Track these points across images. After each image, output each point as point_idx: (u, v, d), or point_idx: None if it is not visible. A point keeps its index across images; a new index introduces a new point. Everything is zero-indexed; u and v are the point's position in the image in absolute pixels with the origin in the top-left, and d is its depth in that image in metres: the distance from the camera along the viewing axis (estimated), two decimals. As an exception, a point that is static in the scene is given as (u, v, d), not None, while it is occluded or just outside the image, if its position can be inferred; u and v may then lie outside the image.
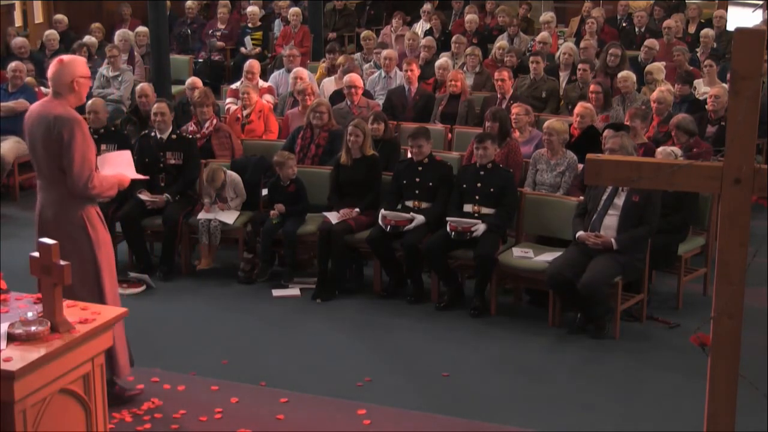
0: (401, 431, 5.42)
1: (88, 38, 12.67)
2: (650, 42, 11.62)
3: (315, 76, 10.87)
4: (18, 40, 12.32)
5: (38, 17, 15.08)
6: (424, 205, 7.46)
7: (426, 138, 7.56)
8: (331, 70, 11.00)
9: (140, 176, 5.98)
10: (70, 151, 5.22)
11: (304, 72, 10.07)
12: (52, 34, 12.67)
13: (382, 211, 7.40)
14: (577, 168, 7.62)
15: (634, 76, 9.75)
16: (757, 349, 6.19)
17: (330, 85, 10.39)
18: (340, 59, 10.71)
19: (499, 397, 5.85)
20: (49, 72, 5.31)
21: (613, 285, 6.64)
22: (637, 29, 13.77)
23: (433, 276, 7.34)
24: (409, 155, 7.66)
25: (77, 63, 5.37)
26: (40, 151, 5.33)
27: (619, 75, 9.79)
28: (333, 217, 7.55)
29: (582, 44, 11.50)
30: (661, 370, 6.22)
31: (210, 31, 14.33)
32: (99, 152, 8.02)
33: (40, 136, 5.29)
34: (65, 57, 5.43)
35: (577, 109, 8.37)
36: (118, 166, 5.63)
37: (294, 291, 7.54)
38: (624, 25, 14.12)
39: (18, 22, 14.50)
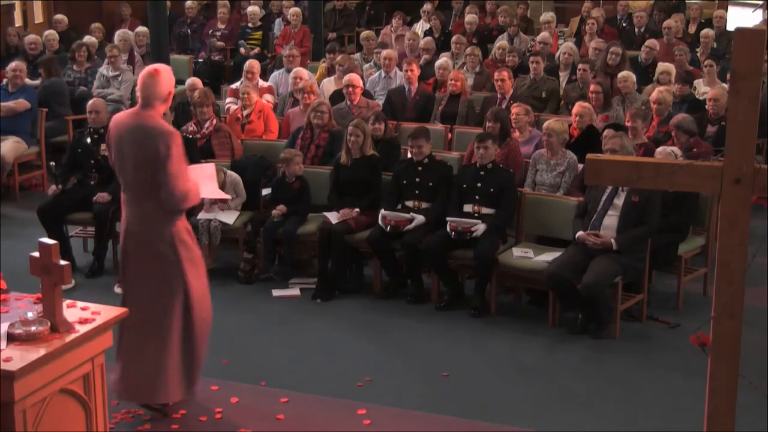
0: (401, 431, 5.42)
1: (87, 38, 12.67)
2: (651, 42, 11.62)
3: (315, 76, 10.86)
4: (31, 37, 12.33)
5: (38, 17, 15.08)
6: (424, 205, 7.46)
7: (426, 138, 7.56)
8: (331, 70, 11.00)
9: (222, 195, 5.89)
10: (166, 164, 5.02)
11: (303, 72, 10.07)
12: (51, 34, 12.66)
13: (382, 211, 7.40)
14: (577, 168, 7.62)
15: (634, 77, 9.75)
16: (757, 349, 6.19)
17: (329, 85, 10.39)
18: (339, 59, 10.71)
19: (499, 397, 5.85)
20: (141, 81, 5.14)
21: (613, 285, 6.64)
22: (636, 29, 13.77)
23: (433, 276, 7.34)
24: (409, 155, 7.66)
25: (171, 74, 5.23)
26: (130, 164, 5.14)
27: (620, 75, 9.79)
28: (333, 217, 7.55)
29: (593, 44, 11.46)
30: (661, 370, 6.22)
31: (210, 31, 14.33)
32: (99, 152, 8.10)
33: (131, 148, 5.11)
34: (159, 67, 5.25)
35: (576, 108, 8.37)
36: (199, 179, 5.43)
37: (294, 291, 7.54)
38: (624, 25, 14.13)
39: (18, 22, 14.50)
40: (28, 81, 10.55)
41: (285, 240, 7.60)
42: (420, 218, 7.30)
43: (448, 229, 7.10)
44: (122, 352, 5.28)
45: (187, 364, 5.34)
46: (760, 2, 15.22)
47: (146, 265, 5.20)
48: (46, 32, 12.71)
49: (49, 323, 4.15)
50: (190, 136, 8.29)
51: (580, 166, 7.53)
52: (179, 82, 11.19)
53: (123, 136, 5.17)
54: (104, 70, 11.43)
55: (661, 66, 10.32)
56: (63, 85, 11.00)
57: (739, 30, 3.34)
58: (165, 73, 5.18)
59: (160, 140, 5.05)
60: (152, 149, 5.04)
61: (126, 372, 5.28)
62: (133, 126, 5.14)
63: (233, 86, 10.54)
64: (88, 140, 8.15)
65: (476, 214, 7.22)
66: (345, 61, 10.61)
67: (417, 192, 7.49)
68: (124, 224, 5.28)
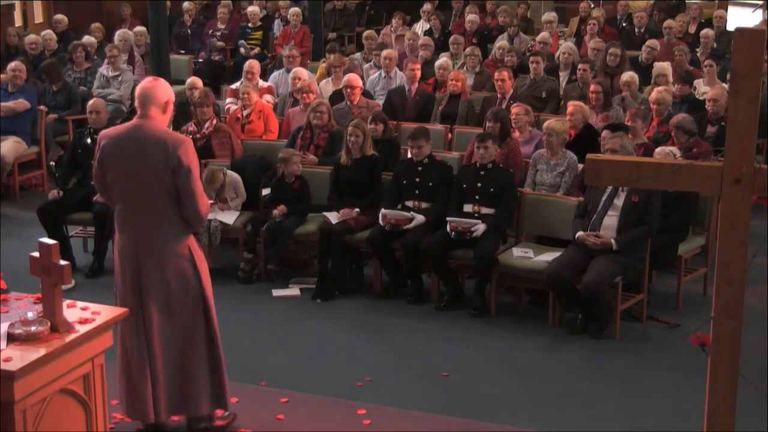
0: (401, 431, 5.42)
1: (86, 38, 12.65)
2: (651, 42, 11.62)
3: (315, 76, 10.86)
4: (31, 37, 12.33)
5: (38, 17, 15.08)
6: (424, 205, 7.46)
7: (426, 138, 7.56)
8: (329, 71, 11.00)
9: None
10: (190, 176, 4.85)
11: (303, 71, 10.07)
12: (49, 34, 12.67)
13: (383, 210, 7.40)
14: (577, 168, 7.62)
15: (637, 78, 9.75)
16: (757, 349, 6.19)
17: (327, 86, 10.39)
18: (331, 59, 10.70)
19: (499, 397, 5.85)
20: (141, 91, 4.97)
21: (613, 285, 6.64)
22: (636, 29, 13.77)
23: (433, 276, 7.34)
24: (409, 155, 7.66)
25: (168, 86, 5.08)
26: (136, 177, 4.88)
27: (623, 78, 9.78)
28: (333, 217, 7.55)
29: (592, 45, 11.46)
30: (661, 370, 6.22)
31: (210, 31, 14.34)
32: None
33: (139, 160, 4.86)
34: (158, 78, 5.11)
35: (569, 108, 8.38)
36: None
37: (294, 291, 7.54)
38: (624, 25, 14.13)
39: (18, 22, 14.50)
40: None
41: (281, 235, 7.58)
42: (420, 218, 7.30)
43: (448, 229, 7.10)
44: (158, 370, 5.01)
45: (215, 376, 5.17)
46: (760, 2, 15.22)
47: (162, 284, 4.96)
48: (44, 32, 12.71)
49: (49, 323, 4.15)
50: (190, 136, 8.29)
51: (580, 166, 7.53)
52: (179, 82, 11.26)
53: (125, 150, 4.92)
54: (104, 70, 11.43)
55: (657, 68, 10.32)
56: (77, 90, 11.01)
57: (739, 30, 3.34)
58: (162, 82, 5.06)
59: (180, 150, 4.84)
60: (169, 159, 4.82)
61: (167, 388, 5.05)
62: (139, 137, 4.91)
63: (233, 86, 10.55)
64: (88, 140, 8.15)
65: (476, 214, 7.22)
66: (339, 62, 10.60)
67: (417, 192, 7.49)
68: (125, 240, 4.99)
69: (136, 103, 5.03)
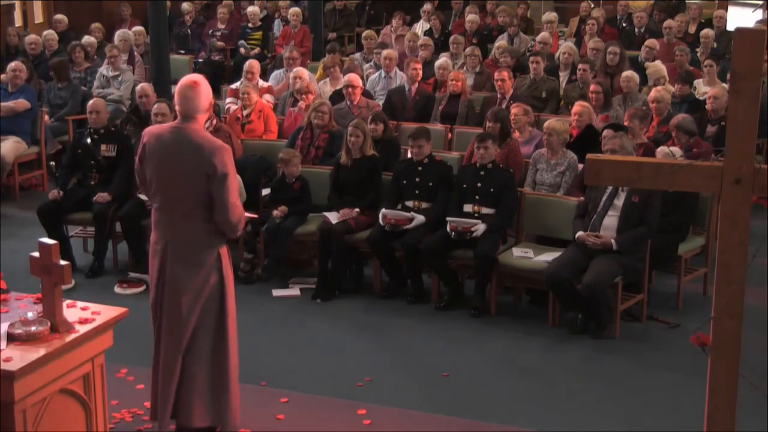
0: (401, 431, 5.42)
1: (86, 38, 12.63)
2: (651, 42, 11.63)
3: (315, 76, 10.86)
4: (31, 37, 12.33)
5: (38, 17, 15.08)
6: (424, 205, 7.46)
7: (426, 138, 7.56)
8: (326, 72, 10.99)
9: (248, 214, 5.28)
10: (225, 183, 4.76)
11: (303, 71, 10.07)
12: (50, 34, 12.67)
13: (383, 210, 7.40)
14: (577, 168, 7.62)
15: (637, 77, 9.75)
16: (757, 349, 6.19)
17: (325, 86, 10.38)
18: (326, 60, 10.69)
19: (499, 397, 5.85)
20: (183, 93, 4.85)
21: (613, 285, 6.64)
22: (636, 29, 13.78)
23: (433, 276, 7.34)
24: (409, 155, 7.66)
25: (208, 84, 4.99)
26: (176, 180, 4.82)
27: (623, 75, 9.78)
28: (333, 217, 7.55)
29: (592, 44, 11.45)
30: (661, 370, 6.22)
31: (210, 31, 14.34)
32: (99, 153, 8.10)
33: (179, 164, 4.80)
34: (197, 78, 4.96)
35: (576, 107, 8.37)
36: None
37: (294, 291, 7.54)
38: (624, 25, 14.13)
39: (18, 22, 14.50)
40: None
41: (281, 236, 7.58)
42: (420, 218, 7.30)
43: (448, 229, 7.10)
44: (180, 377, 4.94)
45: (220, 392, 5.06)
46: (760, 2, 15.22)
47: (185, 290, 4.88)
48: (45, 33, 12.71)
49: (49, 323, 4.16)
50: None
51: (580, 166, 7.53)
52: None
53: (164, 150, 4.86)
54: (104, 70, 11.43)
55: (652, 71, 10.30)
56: (80, 90, 11.02)
57: (739, 30, 3.34)
58: (204, 84, 4.94)
59: (216, 156, 4.76)
60: (204, 165, 4.76)
61: (188, 397, 4.96)
62: (181, 141, 4.83)
63: (233, 86, 10.54)
64: (88, 140, 8.15)
65: (476, 214, 7.22)
66: (333, 62, 10.59)
67: (417, 192, 7.49)
68: (158, 240, 4.91)
69: (178, 103, 4.90)
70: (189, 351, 4.94)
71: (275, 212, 7.67)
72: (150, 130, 5.07)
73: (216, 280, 4.93)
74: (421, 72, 10.02)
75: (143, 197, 7.82)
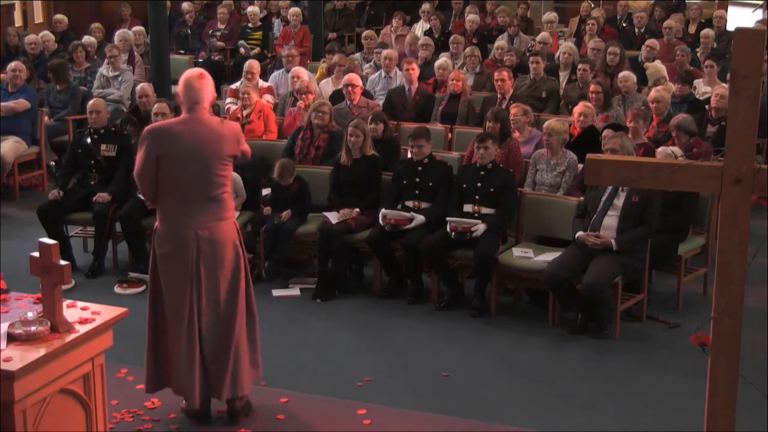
0: (401, 431, 5.42)
1: (86, 38, 12.65)
2: (651, 42, 11.63)
3: (315, 76, 10.86)
4: (31, 37, 12.32)
5: (38, 17, 15.08)
6: (424, 205, 7.46)
7: (427, 138, 7.56)
8: (330, 71, 11.00)
9: None
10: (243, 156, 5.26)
11: (302, 71, 10.07)
12: (47, 35, 12.68)
13: (383, 210, 7.40)
14: (577, 168, 7.62)
15: (634, 77, 9.75)
16: (757, 349, 6.19)
17: (327, 86, 10.38)
18: (336, 59, 10.69)
19: (499, 397, 5.85)
20: (190, 84, 5.10)
21: (613, 285, 6.64)
22: (636, 29, 13.78)
23: (433, 276, 7.34)
24: (409, 155, 7.66)
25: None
26: (203, 167, 5.07)
27: (620, 75, 9.79)
28: (333, 217, 7.55)
29: (591, 44, 11.45)
30: (661, 370, 6.22)
31: (210, 31, 14.34)
32: (99, 153, 8.10)
33: (207, 151, 5.07)
34: (203, 71, 5.23)
35: (580, 108, 8.38)
36: None
37: (294, 291, 7.54)
38: (624, 25, 14.13)
39: (18, 22, 14.50)
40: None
41: (282, 238, 7.58)
42: (420, 218, 7.30)
43: (448, 229, 7.09)
44: (212, 350, 5.22)
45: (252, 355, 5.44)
46: (760, 2, 15.22)
47: (221, 267, 5.17)
48: (42, 33, 12.72)
49: (49, 323, 4.16)
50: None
51: (580, 166, 7.53)
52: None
53: (188, 142, 5.04)
54: (104, 70, 11.43)
55: (652, 71, 10.31)
56: (79, 90, 11.02)
57: (739, 30, 3.34)
58: (209, 76, 5.22)
59: (241, 139, 5.22)
60: (231, 148, 5.15)
61: (219, 370, 5.24)
62: (202, 129, 5.09)
63: (233, 86, 10.54)
64: (88, 140, 8.15)
65: (476, 214, 7.22)
66: (343, 62, 10.60)
67: (417, 192, 7.49)
68: (185, 232, 5.09)
69: (184, 94, 5.12)
70: (224, 329, 5.23)
71: (282, 215, 7.65)
72: (156, 128, 5.21)
73: (242, 256, 5.27)
74: (417, 72, 9.99)
75: (143, 197, 7.83)
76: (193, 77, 5.14)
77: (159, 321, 5.28)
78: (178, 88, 5.25)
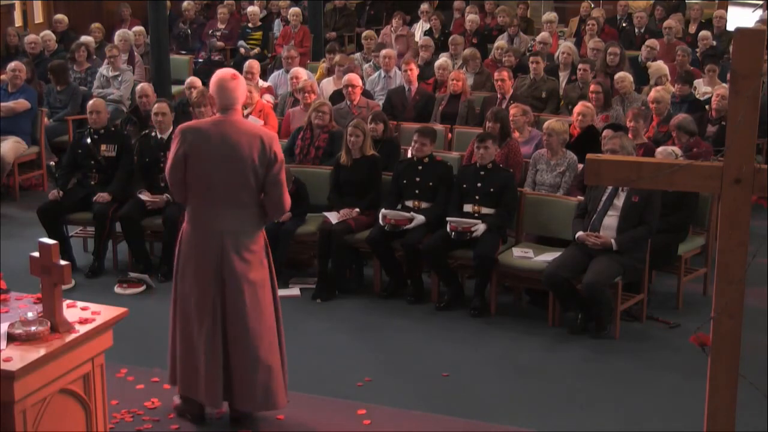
0: (401, 431, 5.42)
1: (83, 38, 12.63)
2: (651, 42, 11.63)
3: (315, 76, 10.86)
4: (31, 37, 12.32)
5: (38, 17, 15.08)
6: (424, 205, 7.46)
7: (432, 139, 7.58)
8: (330, 71, 11.00)
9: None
10: (281, 170, 5.03)
11: (301, 71, 10.07)
12: (48, 35, 12.68)
13: (383, 210, 7.40)
14: (577, 168, 7.62)
15: (630, 77, 9.76)
16: (757, 349, 6.19)
17: (328, 85, 10.38)
18: (338, 59, 10.69)
19: (499, 397, 5.85)
20: (224, 85, 5.02)
21: (613, 285, 6.64)
22: (636, 29, 13.78)
23: (433, 276, 7.34)
24: (410, 154, 7.66)
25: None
26: (232, 170, 4.97)
27: (617, 76, 9.80)
28: (333, 217, 7.55)
29: (591, 44, 11.45)
30: (661, 370, 6.22)
31: (210, 31, 14.34)
32: (99, 153, 8.10)
33: (235, 154, 4.95)
34: (235, 71, 5.17)
35: (579, 108, 8.38)
36: None
37: (294, 291, 7.54)
38: (624, 25, 14.14)
39: (18, 22, 14.50)
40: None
41: (282, 240, 7.58)
42: (420, 218, 7.30)
43: (448, 229, 7.10)
44: (239, 360, 5.16)
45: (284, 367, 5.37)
46: (760, 2, 15.22)
47: (244, 279, 5.10)
48: (43, 33, 12.71)
49: (49, 323, 4.15)
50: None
51: (580, 166, 7.53)
52: (179, 82, 11.27)
53: (214, 144, 4.97)
54: (104, 70, 11.43)
55: (654, 70, 10.31)
56: (79, 91, 11.02)
57: (739, 30, 3.34)
58: (241, 77, 5.16)
59: (274, 144, 5.03)
60: (265, 153, 4.98)
61: (246, 381, 5.19)
62: (228, 132, 5.00)
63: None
64: (88, 140, 8.14)
65: (476, 214, 7.22)
66: (344, 62, 10.60)
67: (417, 192, 7.49)
68: (211, 235, 5.04)
69: (218, 96, 5.06)
70: (267, 335, 5.22)
71: (283, 217, 7.64)
72: (189, 127, 5.16)
73: (267, 265, 5.21)
74: (413, 72, 9.98)
75: (144, 197, 7.83)
76: (227, 78, 5.06)
77: (180, 322, 5.24)
78: (210, 90, 5.18)
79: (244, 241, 5.07)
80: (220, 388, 5.19)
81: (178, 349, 5.29)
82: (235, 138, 4.99)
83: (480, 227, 7.07)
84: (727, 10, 14.54)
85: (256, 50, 13.90)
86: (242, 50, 13.93)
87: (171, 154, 5.11)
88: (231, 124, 5.03)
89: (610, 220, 6.78)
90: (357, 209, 7.58)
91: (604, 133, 7.48)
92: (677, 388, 5.94)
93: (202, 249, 5.09)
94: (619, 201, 6.78)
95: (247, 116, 9.13)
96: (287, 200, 5.13)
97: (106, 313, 4.43)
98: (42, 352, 4.01)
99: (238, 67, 11.88)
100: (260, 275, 5.14)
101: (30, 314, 4.16)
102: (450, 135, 9.19)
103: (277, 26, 14.89)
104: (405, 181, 7.53)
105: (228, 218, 5.04)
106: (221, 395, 5.23)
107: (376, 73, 10.89)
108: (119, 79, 11.32)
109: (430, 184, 7.47)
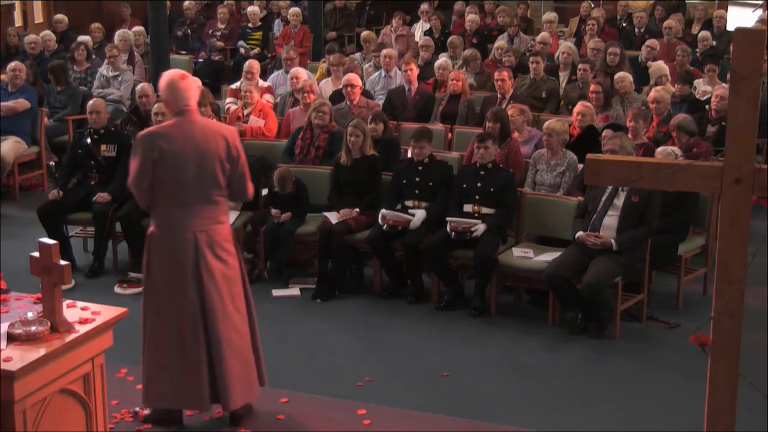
0: (401, 431, 5.42)
1: (81, 38, 12.61)
2: (651, 42, 11.63)
3: (315, 76, 10.86)
4: (31, 37, 12.32)
5: (38, 17, 15.08)
6: (424, 205, 7.45)
7: (428, 139, 7.56)
8: (330, 71, 10.99)
9: None
10: (245, 165, 5.18)
11: (301, 71, 10.06)
12: (48, 35, 12.68)
13: (382, 210, 7.40)
14: (577, 168, 7.62)
15: (630, 77, 9.75)
16: (757, 349, 6.19)
17: (327, 86, 10.38)
18: (332, 59, 10.68)
19: (499, 397, 5.85)
20: (175, 86, 5.04)
21: (613, 285, 6.64)
22: (636, 29, 13.78)
23: (433, 276, 7.34)
24: (409, 155, 7.66)
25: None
26: (203, 169, 5.02)
27: (616, 76, 9.79)
28: (333, 217, 7.55)
29: (591, 44, 11.45)
30: (661, 370, 6.22)
31: (210, 31, 14.34)
32: (99, 153, 8.10)
33: (207, 152, 5.02)
34: (184, 72, 5.21)
35: (578, 107, 8.38)
36: None
37: (294, 291, 7.54)
38: (624, 25, 14.14)
39: (18, 22, 14.50)
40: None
41: (282, 240, 7.58)
42: (421, 213, 7.29)
43: (448, 229, 7.09)
44: (225, 359, 5.15)
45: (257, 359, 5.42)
46: (760, 2, 15.21)
47: (222, 271, 5.13)
48: (43, 33, 12.71)
49: (49, 323, 4.16)
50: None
51: (580, 166, 7.53)
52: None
53: (184, 145, 4.99)
54: (104, 70, 11.42)
55: (654, 70, 10.32)
56: (79, 91, 11.02)
57: (739, 30, 3.34)
58: (191, 76, 5.21)
59: (237, 140, 5.15)
60: (230, 150, 5.08)
61: (232, 378, 5.19)
62: (194, 132, 5.04)
63: (233, 86, 10.54)
64: (88, 141, 8.14)
65: (476, 214, 7.22)
66: (339, 61, 10.58)
67: (417, 192, 7.49)
68: (184, 235, 5.04)
69: (170, 98, 5.07)
70: (237, 330, 5.21)
71: (282, 216, 7.64)
72: (152, 133, 5.13)
73: (238, 259, 5.24)
74: (413, 72, 9.97)
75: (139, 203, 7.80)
76: (176, 79, 5.06)
77: (153, 333, 5.19)
78: (161, 93, 5.16)
79: (216, 238, 5.11)
80: (207, 389, 5.14)
81: (147, 363, 5.23)
82: (201, 137, 5.04)
83: (480, 227, 7.07)
84: (727, 10, 14.53)
85: (256, 50, 13.90)
86: (242, 50, 13.93)
87: (136, 162, 5.08)
88: (193, 124, 5.07)
89: (610, 220, 6.78)
90: (357, 209, 7.58)
91: (604, 133, 7.48)
92: (677, 388, 5.94)
93: (177, 251, 5.07)
94: (619, 201, 6.78)
95: (247, 116, 9.15)
96: (251, 189, 5.27)
97: (106, 313, 4.43)
98: (42, 352, 4.01)
99: (238, 67, 11.91)
100: (234, 269, 5.20)
101: (30, 314, 4.17)
102: (450, 135, 9.19)
103: (277, 26, 14.89)
104: (405, 181, 7.53)
105: (200, 217, 5.08)
106: (208, 397, 5.17)
107: (377, 73, 10.89)
108: (119, 79, 11.32)
109: (430, 184, 7.46)
